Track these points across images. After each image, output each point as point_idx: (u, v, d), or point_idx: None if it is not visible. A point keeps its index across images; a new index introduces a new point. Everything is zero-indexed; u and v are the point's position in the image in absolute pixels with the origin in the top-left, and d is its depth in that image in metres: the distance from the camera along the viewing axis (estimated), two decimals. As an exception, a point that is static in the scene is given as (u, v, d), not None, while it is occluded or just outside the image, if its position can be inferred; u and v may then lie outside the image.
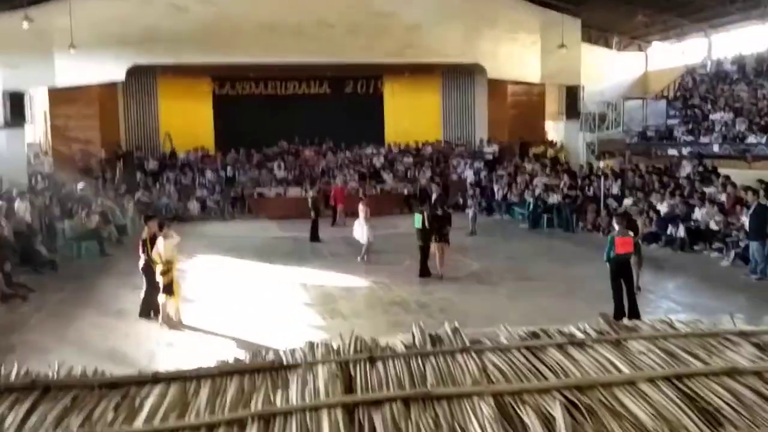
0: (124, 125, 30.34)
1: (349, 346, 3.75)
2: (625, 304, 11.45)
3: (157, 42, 26.52)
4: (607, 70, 31.29)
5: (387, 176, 29.40)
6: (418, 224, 15.48)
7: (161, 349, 10.55)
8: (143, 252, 12.15)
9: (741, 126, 22.95)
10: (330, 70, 30.56)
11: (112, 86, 28.97)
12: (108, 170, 27.82)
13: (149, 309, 12.12)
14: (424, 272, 15.28)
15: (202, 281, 15.21)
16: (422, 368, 3.53)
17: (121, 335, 11.37)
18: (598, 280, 13.67)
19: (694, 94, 28.67)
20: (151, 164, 29.22)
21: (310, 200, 21.57)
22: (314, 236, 20.83)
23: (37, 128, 26.73)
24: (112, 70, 26.62)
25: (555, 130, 31.62)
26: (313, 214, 21.17)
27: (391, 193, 27.76)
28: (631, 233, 11.97)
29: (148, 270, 12.04)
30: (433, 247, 15.20)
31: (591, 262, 16.68)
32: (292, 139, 31.53)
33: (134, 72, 28.28)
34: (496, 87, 31.47)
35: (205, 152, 30.67)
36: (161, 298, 11.72)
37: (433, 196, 18.37)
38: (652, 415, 3.13)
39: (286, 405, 3.22)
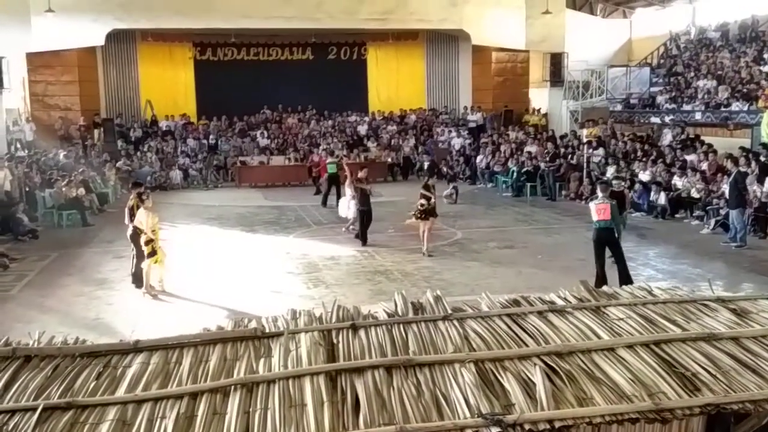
0: (103, 92, 29.90)
1: (331, 315, 3.78)
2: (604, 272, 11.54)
3: (136, 6, 26.12)
4: (592, 37, 31.13)
5: (371, 144, 29.29)
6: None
7: (144, 318, 10.52)
8: (130, 220, 12.07)
9: (723, 94, 22.99)
10: (313, 35, 30.22)
11: (91, 52, 28.51)
12: (88, 138, 27.52)
13: (140, 277, 12.08)
14: (365, 239, 15.42)
15: (185, 250, 15.15)
16: (404, 336, 3.56)
17: (103, 304, 11.32)
18: (580, 248, 13.80)
19: (677, 61, 28.65)
20: (136, 132, 28.93)
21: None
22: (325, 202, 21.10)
23: (15, 94, 26.29)
24: (91, 34, 26.22)
25: (539, 97, 31.56)
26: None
27: (375, 162, 27.64)
28: (613, 200, 11.87)
29: (136, 238, 11.98)
30: (422, 225, 14.56)
31: (573, 230, 16.84)
32: (274, 105, 31.29)
33: (114, 37, 27.89)
34: (481, 54, 31.28)
35: (187, 119, 30.36)
36: (144, 266, 11.68)
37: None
38: (631, 380, 3.19)
39: (268, 373, 3.24)
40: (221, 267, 13.79)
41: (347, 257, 14.49)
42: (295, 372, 3.20)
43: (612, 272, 11.43)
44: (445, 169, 26.32)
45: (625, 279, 11.18)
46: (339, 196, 20.37)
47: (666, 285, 11.18)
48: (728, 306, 3.92)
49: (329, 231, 17.28)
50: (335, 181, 20.80)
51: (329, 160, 22.15)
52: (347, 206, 17.16)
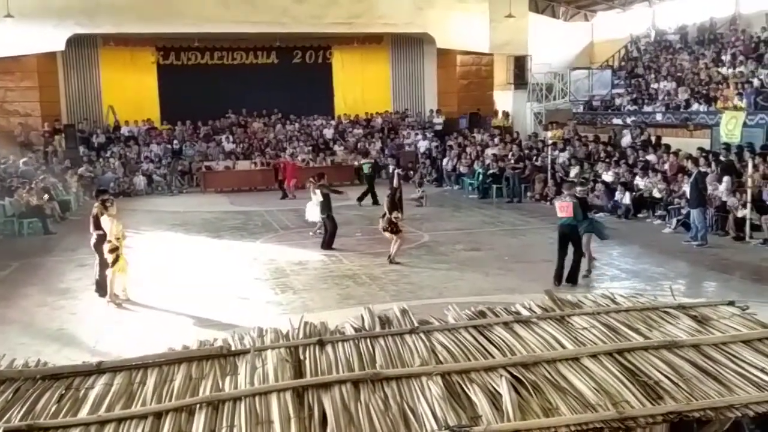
0: (65, 98, 29.42)
1: (298, 331, 3.76)
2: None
3: (98, 10, 25.73)
4: (554, 40, 31.51)
5: (338, 148, 29.27)
6: (320, 197, 15.54)
7: (108, 328, 10.37)
8: (94, 228, 11.88)
9: (683, 95, 23.42)
10: (278, 39, 30.10)
11: (51, 57, 28.03)
12: (50, 144, 27.07)
13: (103, 286, 11.92)
14: (328, 244, 15.40)
15: (150, 257, 14.97)
16: (371, 350, 3.56)
17: (66, 314, 11.12)
18: (545, 249, 13.92)
19: (638, 63, 29.12)
20: (99, 138, 28.51)
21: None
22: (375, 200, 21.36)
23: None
24: (51, 39, 25.77)
25: (503, 100, 31.83)
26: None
27: (341, 165, 27.66)
28: (574, 199, 12.11)
29: (99, 246, 11.82)
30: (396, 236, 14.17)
31: (538, 231, 17.00)
32: (239, 110, 31.11)
33: (75, 42, 27.48)
34: (446, 57, 31.47)
35: (150, 125, 30.01)
36: (109, 274, 11.51)
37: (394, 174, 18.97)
38: (595, 389, 3.22)
39: (235, 390, 3.22)
40: (187, 274, 13.64)
41: (315, 262, 14.44)
42: (261, 389, 3.18)
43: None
44: (411, 173, 26.35)
45: (574, 276, 11.61)
46: (374, 196, 21.37)
47: (629, 284, 11.38)
48: (689, 313, 3.99)
49: (296, 236, 17.21)
50: (371, 180, 22.14)
51: (364, 161, 23.60)
52: (315, 211, 17.02)
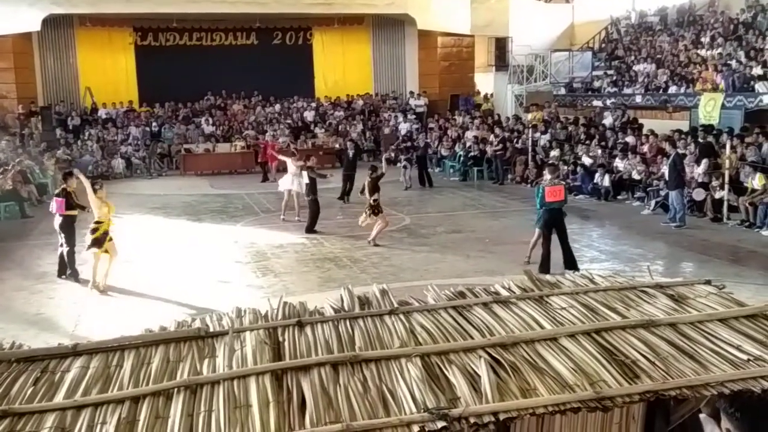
0: (41, 79, 28.96)
1: (277, 312, 3.73)
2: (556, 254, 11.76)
3: (74, -10, 25.37)
4: (535, 22, 31.43)
5: (318, 130, 29.12)
6: (306, 179, 15.43)
7: (87, 312, 10.31)
8: (66, 209, 11.77)
9: (662, 77, 23.53)
10: (258, 20, 29.80)
11: (27, 37, 27.56)
12: (26, 127, 26.71)
13: (64, 267, 11.91)
14: (310, 228, 15.32)
15: (130, 241, 14.84)
16: (351, 332, 3.54)
17: (44, 298, 11.05)
18: (525, 230, 13.99)
19: (618, 45, 29.18)
20: (74, 120, 28.13)
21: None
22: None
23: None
24: (26, 19, 25.36)
25: (484, 82, 31.79)
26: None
27: (322, 147, 27.53)
28: (562, 182, 12.03)
29: (67, 228, 11.81)
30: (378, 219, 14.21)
31: (519, 213, 17.07)
32: (219, 92, 30.83)
33: (50, 22, 27.04)
34: (427, 39, 31.34)
35: (129, 107, 29.66)
36: (92, 257, 11.41)
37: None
38: (573, 369, 3.22)
39: (213, 374, 3.19)
40: (167, 257, 13.58)
41: (296, 245, 14.42)
42: (239, 372, 3.15)
43: (556, 253, 11.65)
44: (392, 155, 26.23)
45: (571, 261, 11.48)
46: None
47: (609, 265, 11.43)
48: (666, 292, 4.00)
49: (277, 219, 17.14)
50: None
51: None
52: (290, 181, 16.78)
